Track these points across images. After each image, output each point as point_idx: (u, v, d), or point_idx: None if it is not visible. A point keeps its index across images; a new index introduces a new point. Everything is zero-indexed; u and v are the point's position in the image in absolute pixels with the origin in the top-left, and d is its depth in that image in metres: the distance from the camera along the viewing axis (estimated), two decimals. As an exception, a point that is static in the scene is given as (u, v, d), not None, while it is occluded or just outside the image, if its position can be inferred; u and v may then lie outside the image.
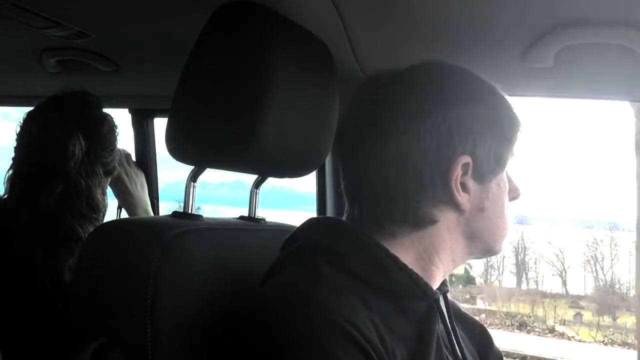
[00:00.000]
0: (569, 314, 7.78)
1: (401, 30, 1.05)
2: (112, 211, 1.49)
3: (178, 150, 0.86)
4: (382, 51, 1.12)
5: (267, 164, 0.93)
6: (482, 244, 0.80)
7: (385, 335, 0.68)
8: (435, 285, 0.79)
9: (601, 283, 8.70)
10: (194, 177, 0.89)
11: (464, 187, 0.76)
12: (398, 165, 0.75)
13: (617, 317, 7.47)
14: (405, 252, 0.75)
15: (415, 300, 0.75)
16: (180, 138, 0.87)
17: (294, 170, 1.01)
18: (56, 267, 1.19)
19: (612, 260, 8.70)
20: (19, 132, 1.30)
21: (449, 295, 0.86)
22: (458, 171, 0.74)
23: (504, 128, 0.78)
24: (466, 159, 0.75)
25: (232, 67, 0.85)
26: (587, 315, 7.73)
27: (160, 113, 1.78)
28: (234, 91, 0.84)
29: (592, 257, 8.73)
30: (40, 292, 1.17)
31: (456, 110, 0.75)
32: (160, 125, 1.81)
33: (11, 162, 1.30)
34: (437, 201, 0.75)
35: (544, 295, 8.16)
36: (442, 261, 0.78)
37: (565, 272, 8.68)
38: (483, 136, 0.76)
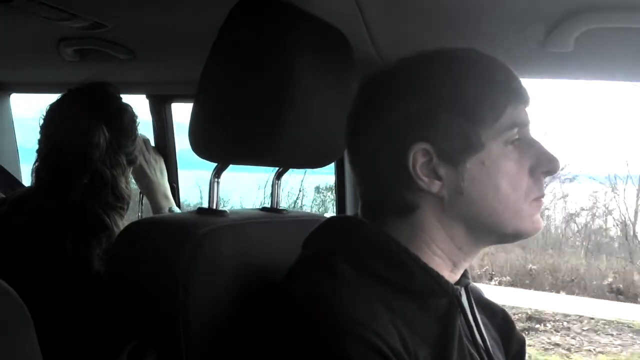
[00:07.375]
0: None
1: (419, 17, 1.05)
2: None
3: (202, 149, 0.88)
4: (400, 38, 1.12)
5: (289, 156, 0.94)
6: (485, 228, 0.77)
7: (407, 337, 0.69)
8: (452, 275, 0.79)
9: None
10: (217, 173, 0.90)
11: (435, 173, 0.75)
12: (373, 159, 0.79)
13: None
14: (404, 241, 0.75)
15: (436, 298, 0.75)
16: (204, 136, 0.88)
17: (315, 160, 1.02)
18: (86, 256, 1.21)
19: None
20: (42, 125, 1.31)
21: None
22: (416, 159, 0.74)
23: (467, 107, 0.75)
24: (422, 145, 0.74)
25: (252, 63, 0.86)
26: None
27: (178, 98, 1.79)
28: (256, 87, 0.85)
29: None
30: (71, 281, 1.20)
31: (401, 102, 0.76)
32: (177, 110, 1.82)
33: (36, 154, 1.32)
34: (416, 189, 0.76)
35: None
36: (444, 250, 0.77)
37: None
38: (437, 120, 0.74)
